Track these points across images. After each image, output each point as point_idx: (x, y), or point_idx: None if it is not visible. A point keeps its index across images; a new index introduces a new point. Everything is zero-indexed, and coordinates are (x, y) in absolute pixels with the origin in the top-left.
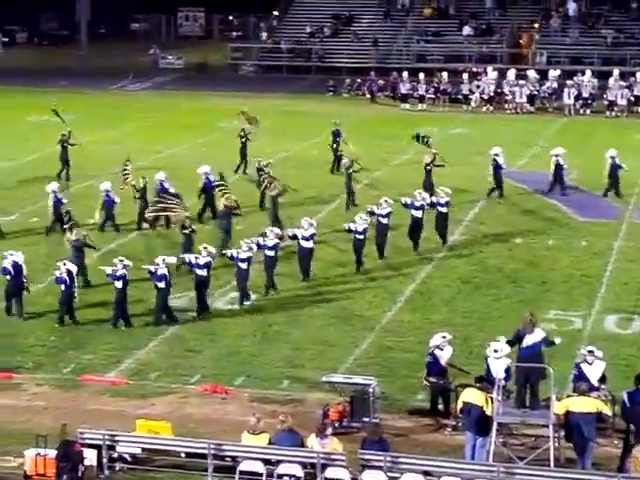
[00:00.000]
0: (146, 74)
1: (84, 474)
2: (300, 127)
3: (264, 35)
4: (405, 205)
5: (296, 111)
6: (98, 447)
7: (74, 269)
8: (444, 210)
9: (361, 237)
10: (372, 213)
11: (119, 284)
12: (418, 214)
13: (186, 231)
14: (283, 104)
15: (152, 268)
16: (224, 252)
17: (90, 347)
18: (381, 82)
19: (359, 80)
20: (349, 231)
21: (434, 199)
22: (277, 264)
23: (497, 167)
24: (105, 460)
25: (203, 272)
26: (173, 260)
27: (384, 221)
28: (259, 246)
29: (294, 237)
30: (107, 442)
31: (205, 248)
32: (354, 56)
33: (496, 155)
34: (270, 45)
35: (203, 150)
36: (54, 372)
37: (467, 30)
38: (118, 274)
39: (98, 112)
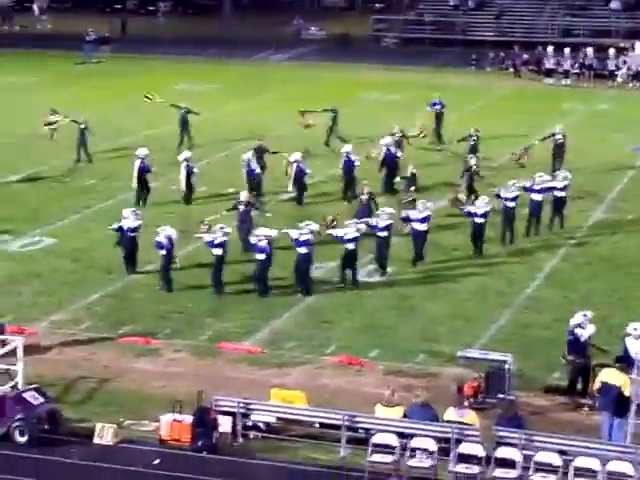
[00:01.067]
0: (288, 45)
1: (218, 441)
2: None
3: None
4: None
5: (438, 84)
6: (233, 415)
7: (174, 234)
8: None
9: (481, 220)
10: (498, 196)
11: (218, 251)
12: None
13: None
14: (425, 77)
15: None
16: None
17: (227, 315)
18: (525, 56)
19: (502, 54)
20: (469, 214)
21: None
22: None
23: None
24: (239, 428)
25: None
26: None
27: (511, 204)
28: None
29: (407, 219)
30: (242, 410)
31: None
32: (498, 29)
33: None
34: (413, 17)
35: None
36: (191, 339)
37: (615, 4)
38: (217, 242)
39: (240, 82)
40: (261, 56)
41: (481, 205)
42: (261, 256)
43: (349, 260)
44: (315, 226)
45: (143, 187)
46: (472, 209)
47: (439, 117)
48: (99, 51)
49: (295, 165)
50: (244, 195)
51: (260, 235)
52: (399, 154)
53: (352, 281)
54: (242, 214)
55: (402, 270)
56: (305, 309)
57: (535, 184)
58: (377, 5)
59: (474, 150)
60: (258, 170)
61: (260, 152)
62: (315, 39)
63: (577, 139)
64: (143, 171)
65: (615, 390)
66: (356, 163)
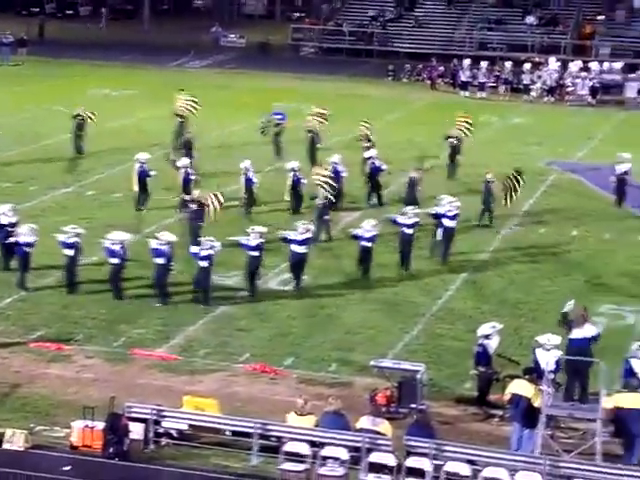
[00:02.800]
0: (207, 52)
1: (130, 447)
2: (359, 111)
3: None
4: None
5: (355, 94)
6: (145, 421)
7: (126, 240)
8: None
9: (368, 244)
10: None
11: (69, 252)
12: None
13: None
14: (343, 87)
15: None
16: (282, 235)
17: (141, 322)
18: (441, 69)
19: (419, 66)
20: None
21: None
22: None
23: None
24: (151, 434)
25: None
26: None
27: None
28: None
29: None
30: (154, 417)
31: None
32: (415, 41)
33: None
34: (332, 27)
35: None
36: (104, 345)
37: (531, 19)
38: (68, 242)
39: (157, 88)
40: (179, 62)
41: (368, 228)
42: (160, 260)
43: (299, 265)
44: (263, 229)
45: (143, 191)
46: (359, 232)
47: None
48: (16, 54)
49: (291, 173)
50: (188, 196)
51: (162, 239)
52: (384, 167)
53: (296, 285)
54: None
55: (317, 279)
56: (220, 316)
57: (448, 210)
58: (296, 14)
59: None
60: (255, 179)
61: (188, 146)
62: (234, 47)
63: (493, 152)
64: (143, 175)
65: (525, 401)
66: (343, 174)
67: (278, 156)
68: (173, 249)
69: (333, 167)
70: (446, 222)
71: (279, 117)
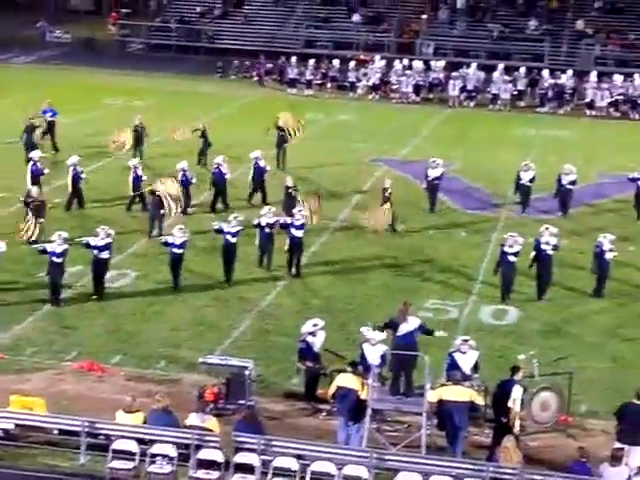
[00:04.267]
0: (32, 48)
1: None
2: (187, 107)
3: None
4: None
5: (183, 91)
6: None
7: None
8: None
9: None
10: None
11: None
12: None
13: None
14: (171, 83)
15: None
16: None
17: None
18: (269, 66)
19: (248, 63)
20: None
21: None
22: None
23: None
24: None
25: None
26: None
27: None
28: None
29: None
30: None
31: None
32: (243, 38)
33: None
34: (159, 24)
35: (87, 126)
36: None
37: (356, 17)
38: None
39: None
40: (3, 58)
41: (179, 234)
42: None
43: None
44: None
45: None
46: (170, 239)
47: (52, 125)
48: None
49: (181, 173)
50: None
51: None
52: (268, 167)
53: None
54: None
55: (147, 277)
56: (48, 314)
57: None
58: (123, 10)
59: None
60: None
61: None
62: (60, 42)
63: (320, 149)
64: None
65: (351, 394)
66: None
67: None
68: None
69: (256, 162)
70: (294, 232)
71: (49, 114)
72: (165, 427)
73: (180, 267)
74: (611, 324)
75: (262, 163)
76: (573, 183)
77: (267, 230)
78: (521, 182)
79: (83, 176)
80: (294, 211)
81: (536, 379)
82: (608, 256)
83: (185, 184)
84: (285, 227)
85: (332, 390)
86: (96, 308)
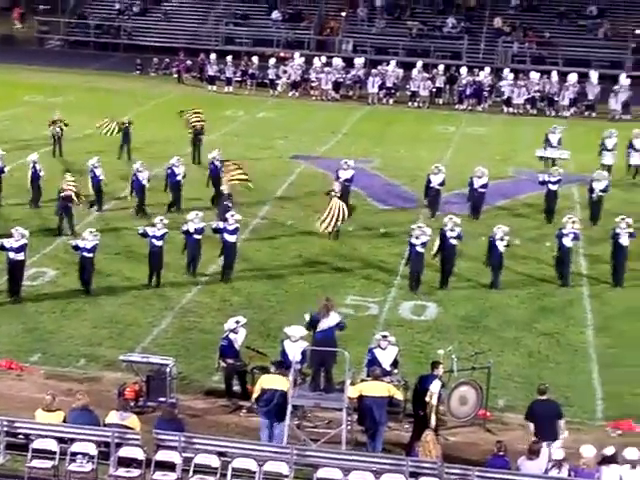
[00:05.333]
0: None
1: None
2: (105, 104)
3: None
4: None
5: (102, 88)
6: None
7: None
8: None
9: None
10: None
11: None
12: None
13: None
14: (90, 80)
15: None
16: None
17: None
18: (189, 63)
19: (167, 60)
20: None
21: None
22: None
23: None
24: None
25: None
26: None
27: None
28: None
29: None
30: None
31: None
32: (163, 35)
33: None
34: (77, 20)
35: (6, 123)
36: None
37: (276, 15)
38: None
39: None
40: None
41: (89, 238)
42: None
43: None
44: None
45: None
46: (80, 243)
47: None
48: None
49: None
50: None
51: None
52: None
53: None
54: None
55: (65, 274)
56: None
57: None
58: (42, 6)
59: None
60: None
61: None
62: None
63: (240, 146)
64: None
65: (274, 394)
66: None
67: None
68: None
69: (212, 163)
70: (227, 237)
71: None
72: (85, 425)
73: (91, 271)
74: (528, 319)
75: (219, 164)
76: (485, 186)
77: (195, 236)
78: (431, 185)
79: (42, 174)
80: (227, 216)
81: (455, 374)
82: (500, 247)
83: (96, 181)
84: (218, 232)
85: (257, 393)
86: (15, 307)
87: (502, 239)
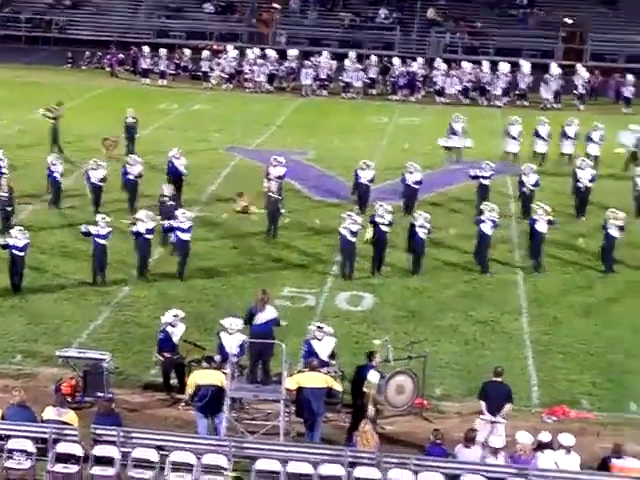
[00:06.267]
0: None
1: None
2: (38, 98)
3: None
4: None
5: (34, 82)
6: None
7: None
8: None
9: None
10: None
11: None
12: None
13: None
14: (21, 75)
15: None
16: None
17: None
18: (121, 56)
19: (99, 53)
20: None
21: None
22: None
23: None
24: None
25: None
26: None
27: None
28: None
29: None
30: None
31: None
32: (95, 29)
33: None
34: (8, 14)
35: None
36: None
37: (208, 7)
38: None
39: None
40: None
41: (20, 236)
42: None
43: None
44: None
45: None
46: (10, 241)
47: None
48: None
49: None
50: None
51: None
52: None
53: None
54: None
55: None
56: None
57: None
58: None
59: None
60: (59, 178)
61: None
62: None
63: (174, 139)
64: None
65: (209, 389)
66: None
67: None
68: None
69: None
70: (181, 235)
71: None
72: (22, 422)
73: (21, 269)
74: (463, 307)
75: (178, 162)
76: (418, 183)
77: (146, 236)
78: (360, 181)
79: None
80: (178, 213)
81: (391, 363)
82: (420, 233)
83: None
84: (170, 230)
85: (191, 389)
86: None
87: (422, 226)
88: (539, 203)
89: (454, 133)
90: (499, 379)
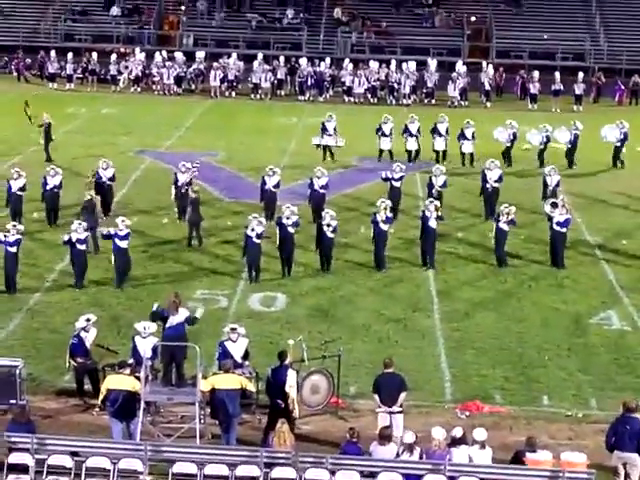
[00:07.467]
0: None
1: None
2: None
3: None
4: None
5: None
6: None
7: None
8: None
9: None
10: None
11: None
12: None
13: None
14: None
15: None
16: None
17: None
18: (28, 61)
19: (5, 58)
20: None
21: None
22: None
23: None
24: None
25: None
26: None
27: None
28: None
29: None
30: None
31: None
32: (0, 33)
33: None
34: None
35: None
36: None
37: (115, 10)
38: None
39: None
40: None
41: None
42: None
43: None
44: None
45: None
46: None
47: None
48: None
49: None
50: None
51: None
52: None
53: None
54: None
55: None
56: None
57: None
58: None
59: None
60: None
61: None
62: None
63: (83, 143)
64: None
65: (122, 395)
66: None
67: None
68: None
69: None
70: (119, 242)
71: None
72: None
73: None
74: (376, 306)
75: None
76: (325, 187)
77: (79, 247)
78: (266, 187)
79: None
80: (117, 221)
81: (306, 363)
82: (328, 232)
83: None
84: (109, 238)
85: (103, 394)
86: None
87: (329, 225)
88: (430, 199)
89: (326, 132)
90: (390, 370)
